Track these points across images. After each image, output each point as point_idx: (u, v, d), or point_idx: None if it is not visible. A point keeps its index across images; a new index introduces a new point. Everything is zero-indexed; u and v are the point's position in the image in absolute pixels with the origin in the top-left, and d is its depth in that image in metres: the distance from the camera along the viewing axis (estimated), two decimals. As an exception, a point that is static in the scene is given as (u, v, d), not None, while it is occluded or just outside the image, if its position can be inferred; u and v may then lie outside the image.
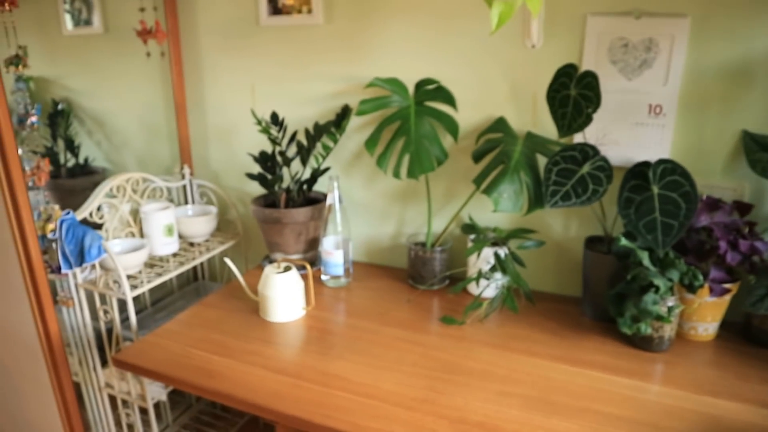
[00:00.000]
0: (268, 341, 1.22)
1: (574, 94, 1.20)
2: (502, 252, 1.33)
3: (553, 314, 1.33)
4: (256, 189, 1.69)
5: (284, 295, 1.28)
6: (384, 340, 1.22)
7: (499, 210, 1.21)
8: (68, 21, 1.86)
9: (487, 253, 1.36)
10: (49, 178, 1.37)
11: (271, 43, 1.57)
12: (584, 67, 1.28)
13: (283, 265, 1.32)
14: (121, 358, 1.16)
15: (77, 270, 1.40)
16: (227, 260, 1.35)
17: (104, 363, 1.53)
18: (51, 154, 1.90)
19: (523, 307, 1.35)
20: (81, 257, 1.34)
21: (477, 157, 1.35)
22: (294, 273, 1.30)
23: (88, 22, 1.82)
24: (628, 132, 1.29)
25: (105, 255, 1.35)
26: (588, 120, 1.19)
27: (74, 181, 1.88)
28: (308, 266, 1.32)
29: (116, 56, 1.82)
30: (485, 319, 1.30)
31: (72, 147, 1.92)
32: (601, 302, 1.26)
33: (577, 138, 1.33)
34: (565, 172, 1.21)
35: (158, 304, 1.73)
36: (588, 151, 1.21)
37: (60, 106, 1.90)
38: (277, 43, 1.56)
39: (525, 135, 1.35)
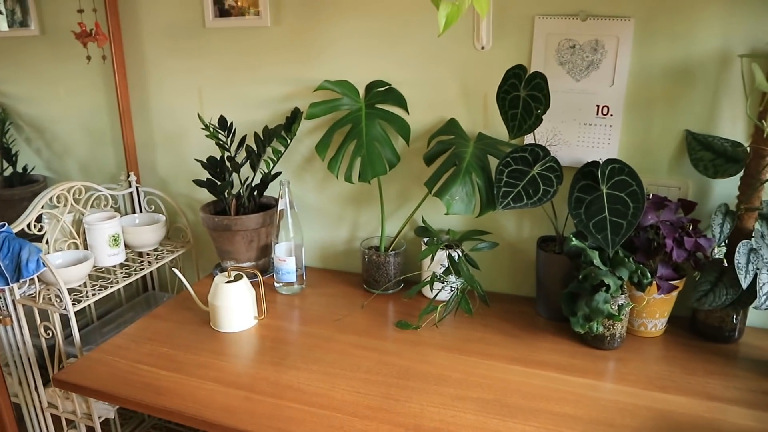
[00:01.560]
0: (220, 353, 1.18)
1: (523, 96, 1.21)
2: (456, 254, 1.33)
3: (508, 315, 1.33)
4: (206, 195, 1.65)
5: (235, 304, 1.24)
6: (339, 347, 1.19)
7: (451, 213, 1.20)
8: (1, 22, 1.77)
9: (441, 255, 1.35)
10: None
11: (218, 46, 1.53)
12: (533, 68, 1.29)
13: (234, 273, 1.28)
14: (62, 377, 1.11)
15: (15, 285, 1.33)
16: (176, 271, 1.30)
17: (47, 382, 1.46)
18: (-14, 163, 1.80)
19: (478, 309, 1.35)
20: (18, 272, 1.27)
21: (429, 160, 1.34)
22: (244, 282, 1.26)
23: (23, 24, 1.74)
24: (577, 132, 1.31)
25: (44, 269, 1.28)
26: (538, 121, 1.19)
27: (12, 191, 1.79)
28: (259, 274, 1.28)
29: (55, 60, 1.74)
30: (440, 322, 1.29)
31: (9, 155, 1.82)
32: (555, 302, 1.27)
33: (528, 139, 1.34)
34: (516, 173, 1.21)
35: (106, 317, 1.66)
36: (538, 152, 1.21)
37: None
38: (224, 45, 1.52)
39: (476, 136, 1.35)
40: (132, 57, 1.63)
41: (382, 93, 1.40)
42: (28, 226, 1.40)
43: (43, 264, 1.28)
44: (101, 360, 1.16)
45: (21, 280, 1.29)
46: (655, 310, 1.19)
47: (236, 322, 1.25)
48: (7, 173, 1.86)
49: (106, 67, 1.65)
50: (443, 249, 1.35)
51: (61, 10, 1.67)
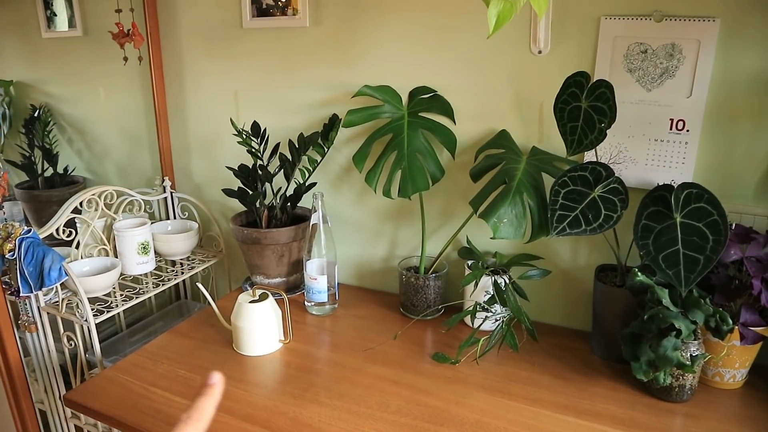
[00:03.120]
0: (239, 379, 1.09)
1: (585, 107, 1.06)
2: (502, 281, 1.20)
3: (558, 352, 1.19)
4: (239, 204, 1.57)
5: (258, 326, 1.15)
6: (367, 381, 1.08)
7: (497, 237, 1.07)
8: (61, 22, 1.75)
9: (486, 281, 1.22)
10: (6, 193, 1.25)
11: (255, 47, 1.45)
12: (597, 75, 1.14)
13: (259, 292, 1.19)
14: (73, 398, 1.04)
15: (40, 292, 1.28)
16: (200, 286, 1.23)
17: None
18: (28, 164, 1.79)
19: (524, 343, 1.21)
20: (41, 280, 1.23)
21: (476, 176, 1.22)
22: (270, 302, 1.17)
23: (71, 24, 1.72)
24: (647, 149, 1.15)
25: (66, 278, 1.23)
26: (601, 136, 1.05)
27: (51, 192, 1.77)
28: (284, 296, 1.18)
29: (95, 60, 1.71)
30: (481, 357, 1.16)
31: (49, 156, 1.81)
32: (613, 340, 1.12)
33: (589, 156, 1.19)
34: (574, 195, 1.07)
35: (135, 326, 1.61)
36: (600, 172, 1.07)
37: (36, 113, 1.79)
38: (261, 46, 1.44)
39: (530, 151, 1.22)
40: (169, 58, 1.58)
41: (426, 100, 1.28)
42: (57, 231, 1.35)
43: (66, 273, 1.23)
44: (115, 380, 1.09)
45: (44, 289, 1.24)
46: (735, 359, 1.03)
47: (259, 345, 1.16)
48: (48, 173, 1.85)
49: (144, 68, 1.60)
50: (489, 275, 1.22)
51: (102, 10, 1.64)
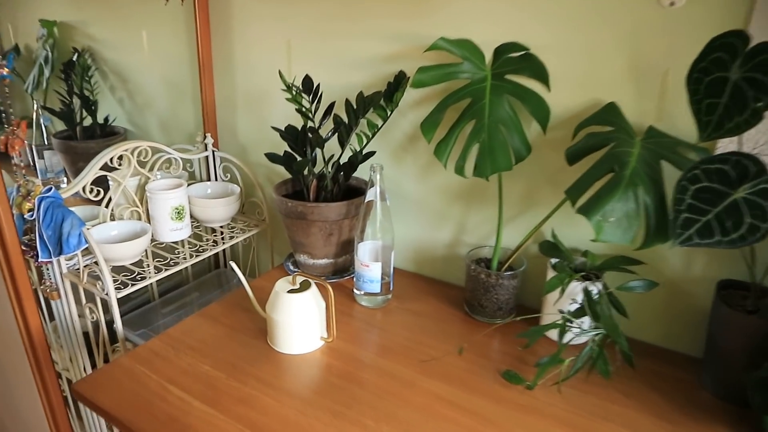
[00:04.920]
0: (270, 383, 0.92)
1: (736, 78, 0.80)
2: (595, 289, 0.97)
3: (659, 382, 0.96)
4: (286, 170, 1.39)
5: (297, 321, 0.97)
6: (421, 400, 0.89)
7: (601, 239, 0.84)
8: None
9: (575, 287, 1.00)
10: (23, 145, 1.11)
11: (314, -12, 1.24)
12: (755, 36, 0.87)
13: (300, 279, 1.01)
14: (80, 389, 0.90)
15: (62, 258, 1.15)
16: (233, 265, 1.06)
17: (95, 364, 1.30)
18: (66, 112, 1.66)
19: (617, 367, 0.99)
20: (60, 246, 1.09)
21: (573, 157, 0.98)
22: (312, 293, 0.99)
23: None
24: (807, 138, 0.88)
25: (86, 245, 1.08)
26: (754, 119, 0.79)
27: (88, 144, 1.64)
28: (329, 288, 1.00)
29: (137, 1, 1.54)
30: (564, 382, 0.95)
31: (88, 104, 1.67)
32: (734, 377, 0.89)
33: (724, 145, 0.93)
34: (708, 194, 0.82)
35: (169, 295, 1.48)
36: (747, 166, 0.81)
37: (75, 56, 1.65)
38: (321, -13, 1.23)
39: (645, 132, 0.96)
40: (215, 2, 1.38)
41: (515, 60, 1.04)
42: (83, 189, 1.21)
43: (85, 240, 1.08)
44: (131, 371, 0.95)
45: (62, 255, 1.10)
46: None
47: (297, 342, 0.99)
48: (87, 123, 1.71)
49: (187, 8, 1.41)
50: (579, 280, 0.99)
51: (147, -61, 1.46)
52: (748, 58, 0.79)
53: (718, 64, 0.82)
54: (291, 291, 0.98)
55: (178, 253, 1.30)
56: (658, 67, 0.94)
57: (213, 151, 1.46)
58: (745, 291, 0.94)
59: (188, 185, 1.37)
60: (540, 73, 1.03)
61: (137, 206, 1.32)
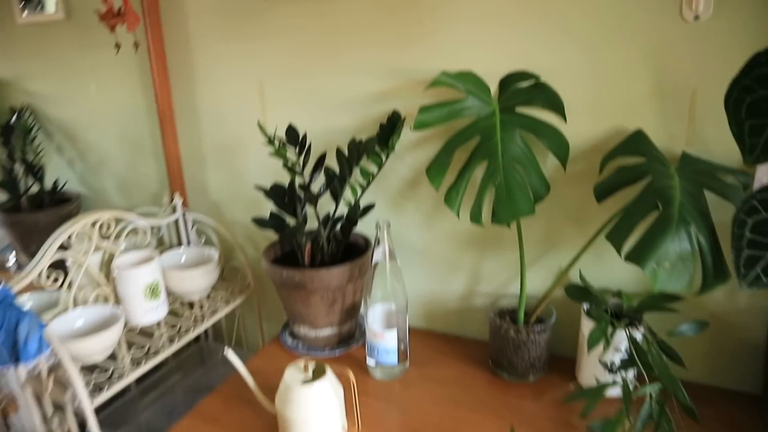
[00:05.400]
0: (292, 496, 0.78)
1: (787, 97, 0.72)
2: (638, 334, 0.88)
3: (721, 427, 0.86)
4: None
5: (315, 416, 0.83)
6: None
7: (659, 289, 0.74)
8: (22, 5, 1.42)
9: (618, 336, 0.90)
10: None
11: (286, 24, 1.11)
12: (786, 49, 0.79)
13: (312, 366, 0.87)
14: None
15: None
16: (229, 354, 0.91)
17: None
18: (8, 181, 1.47)
19: (677, 419, 0.89)
20: (16, 353, 0.91)
21: (603, 194, 0.88)
22: (330, 380, 0.85)
23: (43, 6, 1.38)
24: None
25: (48, 351, 0.92)
26: (812, 140, 0.71)
27: (36, 216, 1.45)
28: (351, 376, 0.86)
29: (84, 49, 1.38)
30: (627, 450, 0.84)
31: (33, 169, 1.48)
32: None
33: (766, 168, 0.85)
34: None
35: (147, 382, 1.30)
36: (808, 192, 0.73)
37: (13, 118, 1.47)
38: (294, 22, 1.10)
39: (679, 159, 0.88)
40: (173, 42, 1.24)
41: (525, 91, 0.94)
42: (39, 275, 1.04)
43: (47, 344, 0.91)
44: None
45: (20, 364, 0.93)
46: None
47: (315, 439, 0.85)
48: (34, 190, 1.52)
49: (141, 56, 1.26)
50: (624, 328, 0.89)
51: (86, -16, 1.31)
52: (804, 74, 0.71)
53: (763, 82, 0.74)
54: (305, 382, 0.84)
55: (156, 336, 1.14)
56: (685, 86, 0.86)
57: (183, 213, 1.31)
58: (803, 322, 0.86)
59: (160, 254, 1.21)
60: (554, 103, 0.93)
61: (103, 286, 1.15)
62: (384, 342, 0.98)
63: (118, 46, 1.19)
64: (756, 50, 0.76)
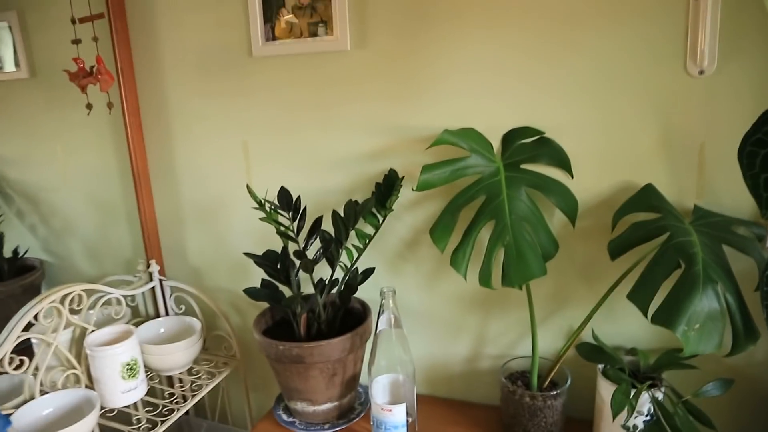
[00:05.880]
0: None
1: (805, 151, 0.71)
2: (660, 394, 0.84)
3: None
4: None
5: None
6: None
7: (690, 352, 0.71)
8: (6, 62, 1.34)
9: (641, 399, 0.85)
10: None
11: (271, 79, 1.07)
12: (792, 102, 0.79)
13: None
14: None
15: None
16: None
17: None
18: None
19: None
20: (-22, 456, 0.80)
21: (618, 252, 0.85)
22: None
23: (1, 65, 1.30)
24: None
25: (17, 452, 0.81)
26: (833, 194, 0.70)
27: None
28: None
29: (49, 110, 1.30)
30: None
31: (-9, 237, 1.37)
32: None
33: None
34: (796, 281, 0.72)
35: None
36: (832, 246, 0.71)
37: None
38: (280, 78, 1.06)
39: (692, 213, 0.86)
40: (149, 100, 1.18)
41: (529, 147, 0.91)
42: (1, 362, 0.93)
43: (16, 444, 0.81)
44: None
45: (-17, 469, 0.82)
46: None
47: None
48: (-9, 260, 1.41)
49: (116, 117, 1.19)
50: (647, 390, 0.85)
51: (55, 41, 1.24)
52: (820, 128, 0.70)
53: (778, 137, 0.73)
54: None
55: (135, 421, 1.03)
56: (693, 140, 0.85)
57: (160, 281, 1.22)
58: (827, 376, 0.84)
59: (136, 326, 1.11)
60: (560, 158, 0.91)
61: (74, 367, 1.04)
62: (393, 417, 0.91)
63: (89, 107, 1.12)
64: (763, 103, 0.77)
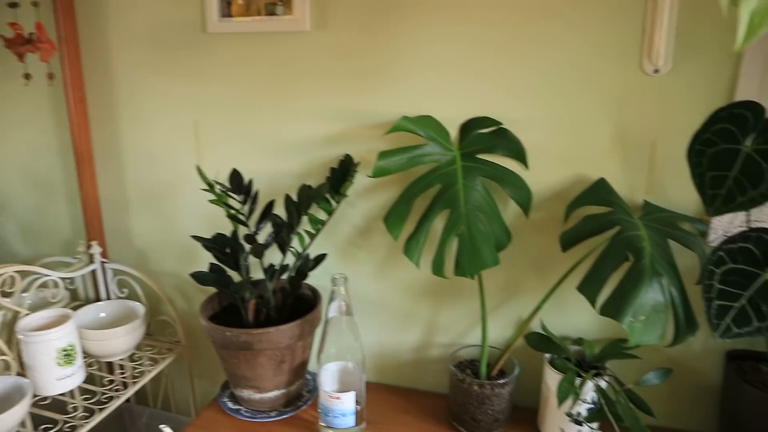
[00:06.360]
0: None
1: (748, 151, 0.74)
2: (604, 383, 0.86)
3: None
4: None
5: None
6: None
7: (635, 342, 0.72)
8: None
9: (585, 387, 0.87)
10: None
11: (225, 60, 1.03)
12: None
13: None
14: None
15: None
16: (166, 430, 0.79)
17: None
18: None
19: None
20: None
21: (569, 243, 0.86)
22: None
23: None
24: (802, 202, 0.84)
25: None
26: (773, 192, 0.72)
27: None
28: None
29: (-18, 78, 1.22)
30: None
31: None
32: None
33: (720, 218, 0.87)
34: (736, 276, 0.75)
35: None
36: (770, 242, 0.75)
37: None
38: (235, 59, 1.02)
39: (642, 208, 0.88)
40: (94, 74, 1.12)
41: (486, 137, 0.92)
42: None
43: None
44: None
45: None
46: None
47: None
48: None
49: (57, 90, 1.13)
50: (592, 379, 0.87)
51: (-11, 5, 1.15)
52: (765, 129, 0.72)
53: (724, 136, 0.75)
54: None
55: (71, 409, 0.99)
56: (645, 137, 0.87)
57: (102, 263, 1.16)
58: (757, 362, 0.88)
59: (74, 310, 1.06)
60: (516, 150, 0.91)
61: (4, 354, 0.99)
62: (341, 405, 0.90)
63: (27, 76, 1.05)
64: (713, 104, 0.79)
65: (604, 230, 0.83)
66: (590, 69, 0.86)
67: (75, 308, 1.10)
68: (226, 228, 0.97)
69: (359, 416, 0.93)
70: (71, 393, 1.03)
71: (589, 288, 0.78)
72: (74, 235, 1.24)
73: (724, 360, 0.88)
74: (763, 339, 0.86)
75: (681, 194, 0.87)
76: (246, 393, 0.97)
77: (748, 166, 0.74)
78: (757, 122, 0.73)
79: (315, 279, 1.04)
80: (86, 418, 0.97)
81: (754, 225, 0.86)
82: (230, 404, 1.01)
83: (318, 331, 0.97)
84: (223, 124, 1.06)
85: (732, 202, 0.76)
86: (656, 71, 0.84)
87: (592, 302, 0.76)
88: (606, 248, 0.80)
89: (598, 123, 0.88)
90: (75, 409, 1.00)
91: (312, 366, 1.04)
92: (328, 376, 0.91)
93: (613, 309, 0.74)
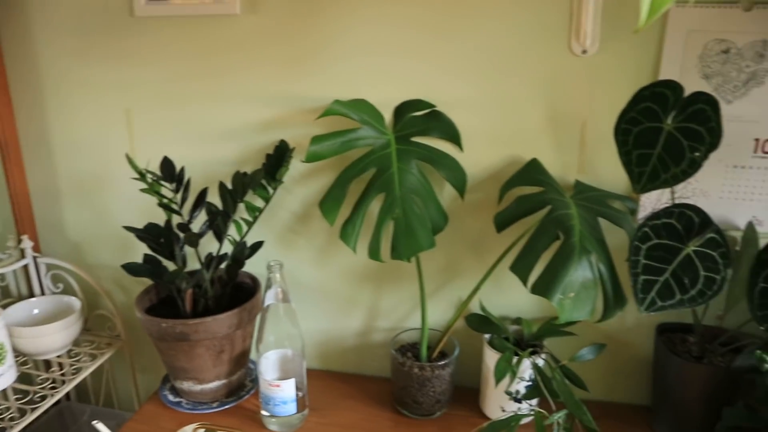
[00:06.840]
0: None
1: (670, 129, 0.76)
2: (541, 361, 0.88)
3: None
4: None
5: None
6: None
7: (565, 319, 0.74)
8: None
9: (522, 365, 0.89)
10: None
11: (156, 45, 1.00)
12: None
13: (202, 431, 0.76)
14: None
15: None
16: (98, 425, 0.77)
17: None
18: None
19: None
20: None
21: (503, 224, 0.87)
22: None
23: None
24: (722, 179, 0.87)
25: None
26: (693, 168, 0.75)
27: None
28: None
29: None
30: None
31: None
32: (691, 427, 0.85)
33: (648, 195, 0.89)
34: (661, 251, 0.78)
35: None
36: (691, 217, 0.78)
37: None
38: (166, 44, 0.99)
39: (573, 187, 0.90)
40: (16, 61, 1.07)
41: (420, 120, 0.91)
42: None
43: None
44: None
45: None
46: None
47: None
48: None
49: (-24, 78, 1.08)
50: (529, 357, 0.89)
51: None
52: (682, 108, 0.74)
53: (648, 114, 0.77)
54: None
55: (2, 410, 0.95)
56: (576, 117, 0.88)
57: (34, 257, 1.12)
58: (684, 333, 0.91)
59: (3, 308, 1.02)
60: (450, 132, 0.91)
61: (-72, 354, 0.94)
62: (282, 392, 0.89)
63: (-57, 63, 1.00)
64: (640, 83, 0.80)
65: (537, 210, 0.85)
66: (521, 50, 0.87)
67: (6, 306, 1.06)
68: (163, 218, 0.95)
69: (301, 403, 0.93)
70: (3, 393, 0.99)
71: (520, 267, 0.79)
72: (3, 228, 1.18)
73: (655, 333, 0.91)
74: (691, 311, 0.89)
75: (611, 173, 0.89)
76: (186, 385, 0.96)
77: (669, 143, 0.76)
78: (676, 101, 0.75)
79: (255, 267, 1.02)
80: (18, 418, 0.93)
81: (678, 201, 0.89)
82: (171, 397, 1.00)
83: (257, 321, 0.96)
84: (155, 111, 1.03)
85: (657, 179, 0.78)
86: (584, 52, 0.85)
87: (524, 281, 0.77)
88: (537, 228, 0.81)
89: (530, 104, 0.89)
90: (7, 409, 0.97)
91: (253, 355, 1.03)
92: (267, 364, 0.90)
93: (544, 287, 0.75)
